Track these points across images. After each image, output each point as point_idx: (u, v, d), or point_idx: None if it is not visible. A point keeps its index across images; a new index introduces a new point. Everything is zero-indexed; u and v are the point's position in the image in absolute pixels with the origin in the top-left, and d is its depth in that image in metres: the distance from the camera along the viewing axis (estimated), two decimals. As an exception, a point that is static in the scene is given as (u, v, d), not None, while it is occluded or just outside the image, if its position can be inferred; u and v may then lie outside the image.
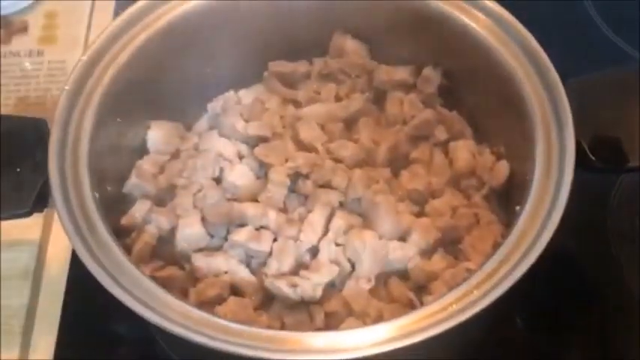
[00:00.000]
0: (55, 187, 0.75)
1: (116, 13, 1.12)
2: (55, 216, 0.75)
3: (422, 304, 0.78)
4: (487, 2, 0.85)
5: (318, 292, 0.78)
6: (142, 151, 0.90)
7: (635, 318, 0.89)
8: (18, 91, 1.09)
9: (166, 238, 0.84)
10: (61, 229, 0.72)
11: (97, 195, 0.76)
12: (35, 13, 1.17)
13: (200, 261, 0.81)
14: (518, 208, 0.74)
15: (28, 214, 0.77)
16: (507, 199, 0.85)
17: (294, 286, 0.78)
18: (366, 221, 0.84)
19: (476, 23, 0.85)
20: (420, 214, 0.86)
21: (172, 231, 0.83)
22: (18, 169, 0.78)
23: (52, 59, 1.12)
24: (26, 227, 0.92)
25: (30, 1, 1.17)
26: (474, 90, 0.90)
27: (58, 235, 0.90)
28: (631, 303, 0.90)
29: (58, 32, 1.15)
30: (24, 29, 1.15)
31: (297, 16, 0.92)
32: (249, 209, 0.83)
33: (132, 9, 0.85)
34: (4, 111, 1.05)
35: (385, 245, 0.81)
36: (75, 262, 0.90)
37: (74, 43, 1.13)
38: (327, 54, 0.96)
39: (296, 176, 0.85)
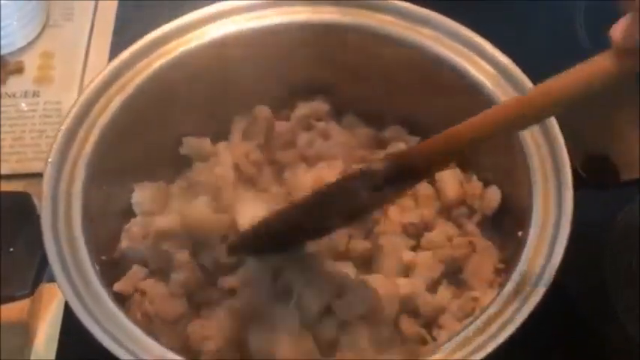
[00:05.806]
0: (56, 266, 0.71)
1: (112, 54, 1.13)
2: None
3: (434, 339, 0.79)
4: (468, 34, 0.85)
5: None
6: (129, 214, 0.88)
7: (635, 360, 0.89)
8: (13, 132, 1.08)
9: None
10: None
11: (97, 267, 0.73)
12: (31, 54, 1.17)
13: None
14: (520, 233, 0.74)
15: (29, 295, 0.76)
16: (498, 222, 0.86)
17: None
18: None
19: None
20: (415, 248, 0.86)
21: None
22: (11, 249, 0.77)
23: (47, 100, 1.11)
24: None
25: (26, 42, 1.17)
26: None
27: (50, 289, 0.87)
28: (631, 346, 0.89)
29: (53, 73, 1.15)
30: (20, 70, 1.15)
31: (294, 63, 0.92)
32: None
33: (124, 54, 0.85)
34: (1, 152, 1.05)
35: (394, 284, 0.80)
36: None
37: (70, 83, 1.13)
38: (322, 96, 0.95)
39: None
